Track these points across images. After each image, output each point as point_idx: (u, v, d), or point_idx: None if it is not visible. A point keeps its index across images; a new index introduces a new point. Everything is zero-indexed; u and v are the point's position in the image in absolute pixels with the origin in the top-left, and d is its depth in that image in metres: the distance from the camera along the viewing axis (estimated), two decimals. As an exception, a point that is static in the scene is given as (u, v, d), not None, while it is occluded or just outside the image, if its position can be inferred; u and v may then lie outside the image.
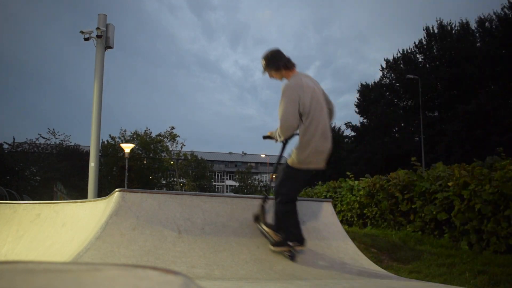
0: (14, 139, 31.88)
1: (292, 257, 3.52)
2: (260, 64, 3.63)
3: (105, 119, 9.27)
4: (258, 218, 3.77)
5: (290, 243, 3.46)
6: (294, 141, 3.49)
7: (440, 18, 34.04)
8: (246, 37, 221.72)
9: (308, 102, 3.29)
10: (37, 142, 32.54)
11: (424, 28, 33.77)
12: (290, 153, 3.47)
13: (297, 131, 3.40)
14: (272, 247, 3.56)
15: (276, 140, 3.54)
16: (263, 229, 3.66)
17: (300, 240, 3.47)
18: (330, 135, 3.45)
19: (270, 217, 3.76)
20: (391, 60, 35.82)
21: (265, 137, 3.77)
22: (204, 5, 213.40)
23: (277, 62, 3.50)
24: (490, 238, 4.75)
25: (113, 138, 41.76)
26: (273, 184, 3.75)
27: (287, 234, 3.47)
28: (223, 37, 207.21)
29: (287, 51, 3.63)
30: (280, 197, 3.50)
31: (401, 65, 35.04)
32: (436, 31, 33.44)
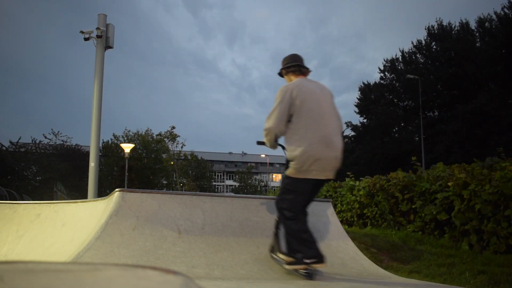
0: (19, 138, 31.98)
1: (309, 276, 3.09)
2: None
3: (105, 119, 9.25)
4: (273, 248, 3.48)
5: (307, 261, 3.02)
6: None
7: (440, 18, 34.14)
8: (243, 36, 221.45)
9: (301, 104, 3.09)
10: (39, 142, 32.65)
11: (426, 27, 33.81)
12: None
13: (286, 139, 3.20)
14: (286, 266, 3.20)
15: (268, 146, 3.34)
16: (278, 257, 3.36)
17: (318, 257, 3.00)
18: (337, 144, 3.14)
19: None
20: (390, 60, 35.87)
21: (258, 143, 3.59)
22: (200, 3, 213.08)
23: (285, 65, 3.45)
24: (490, 238, 4.75)
25: (116, 137, 41.82)
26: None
27: (303, 253, 3.04)
28: (220, 36, 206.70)
29: (284, 50, 3.86)
30: (283, 214, 3.18)
31: (401, 65, 35.07)
32: (436, 31, 33.48)
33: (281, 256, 3.30)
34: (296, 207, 3.16)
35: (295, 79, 3.35)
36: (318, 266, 3.08)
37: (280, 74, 3.53)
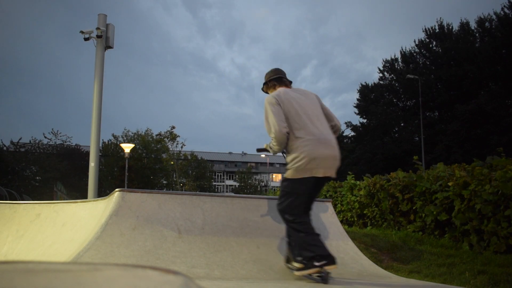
0: (20, 138, 32.02)
1: (323, 280, 2.97)
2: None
3: (104, 118, 9.25)
4: (288, 258, 3.36)
5: (317, 263, 2.95)
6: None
7: (441, 18, 34.17)
8: (242, 35, 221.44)
9: (289, 108, 3.21)
10: (40, 142, 32.69)
11: (424, 30, 33.83)
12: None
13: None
14: (296, 272, 3.15)
15: (272, 153, 3.37)
16: (292, 266, 3.25)
17: (327, 257, 2.96)
18: (331, 142, 3.22)
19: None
20: (389, 60, 35.87)
21: (259, 150, 3.62)
22: (199, 3, 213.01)
23: (268, 78, 3.58)
24: (491, 238, 4.75)
25: (115, 137, 41.83)
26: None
27: (311, 255, 2.99)
28: (219, 35, 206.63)
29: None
30: (284, 218, 3.21)
31: (401, 65, 35.07)
32: (435, 31, 33.48)
33: (295, 264, 3.19)
34: (296, 210, 3.16)
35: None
36: (329, 268, 2.98)
37: (263, 90, 3.65)
